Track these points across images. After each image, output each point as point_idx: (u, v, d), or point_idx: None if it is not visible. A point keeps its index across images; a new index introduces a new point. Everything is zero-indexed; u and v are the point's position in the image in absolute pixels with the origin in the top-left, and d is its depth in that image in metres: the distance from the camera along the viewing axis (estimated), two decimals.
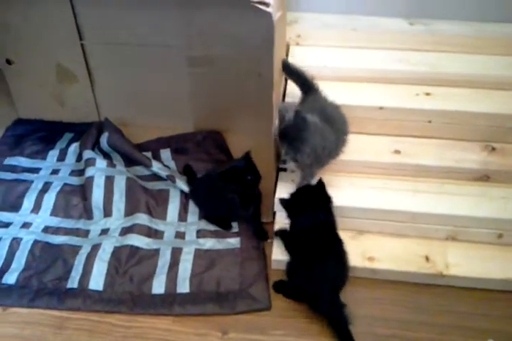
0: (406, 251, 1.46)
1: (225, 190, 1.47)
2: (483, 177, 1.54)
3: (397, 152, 1.59)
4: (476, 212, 1.45)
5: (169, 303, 1.38)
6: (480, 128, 1.60)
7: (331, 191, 1.47)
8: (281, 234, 1.50)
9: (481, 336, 1.31)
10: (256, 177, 1.46)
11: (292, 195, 1.42)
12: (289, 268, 1.39)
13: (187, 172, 1.69)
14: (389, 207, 1.47)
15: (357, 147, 1.59)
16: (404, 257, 1.44)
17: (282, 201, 1.43)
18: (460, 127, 1.60)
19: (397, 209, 1.47)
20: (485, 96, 1.64)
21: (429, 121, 1.60)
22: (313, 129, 1.39)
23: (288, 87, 1.69)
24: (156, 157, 1.78)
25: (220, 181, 1.45)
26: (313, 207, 1.39)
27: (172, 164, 1.76)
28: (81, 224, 1.58)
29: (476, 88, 1.66)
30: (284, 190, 1.53)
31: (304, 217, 1.39)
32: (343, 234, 1.42)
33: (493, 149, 1.59)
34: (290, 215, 1.43)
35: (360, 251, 1.45)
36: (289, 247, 1.44)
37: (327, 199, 1.40)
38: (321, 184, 1.40)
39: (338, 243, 1.38)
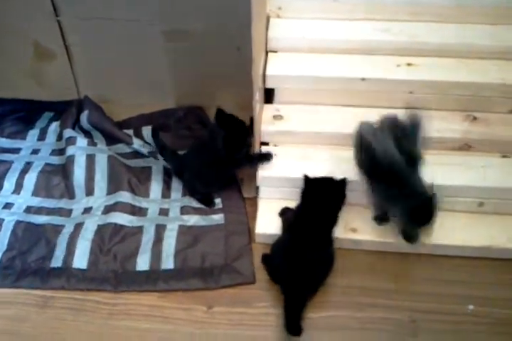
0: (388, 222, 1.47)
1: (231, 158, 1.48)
2: (464, 146, 1.55)
3: None
4: (456, 181, 1.46)
5: (154, 280, 1.38)
6: (462, 97, 1.59)
7: (312, 164, 1.48)
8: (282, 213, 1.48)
9: (461, 302, 1.33)
10: (242, 129, 1.46)
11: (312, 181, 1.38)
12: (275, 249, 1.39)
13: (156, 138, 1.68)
14: None
15: (339, 119, 1.59)
16: (386, 227, 1.45)
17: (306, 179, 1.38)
18: (442, 97, 1.59)
19: None
20: (466, 65, 1.63)
21: (411, 92, 1.59)
22: None
23: (269, 61, 1.67)
24: (138, 134, 1.76)
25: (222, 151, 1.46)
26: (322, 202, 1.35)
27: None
28: (63, 204, 1.57)
29: (457, 58, 1.64)
30: (266, 165, 1.53)
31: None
32: None
33: (475, 118, 1.58)
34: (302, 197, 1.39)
35: (343, 222, 1.45)
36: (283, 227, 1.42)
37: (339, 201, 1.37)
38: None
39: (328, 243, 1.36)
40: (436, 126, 1.56)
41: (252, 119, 1.48)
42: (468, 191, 1.46)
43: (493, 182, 1.46)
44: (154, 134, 1.69)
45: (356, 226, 1.46)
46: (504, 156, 1.54)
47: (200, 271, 1.41)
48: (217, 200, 1.59)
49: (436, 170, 1.47)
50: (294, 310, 1.27)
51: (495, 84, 1.56)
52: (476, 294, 1.34)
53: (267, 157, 1.52)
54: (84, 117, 1.74)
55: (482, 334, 1.28)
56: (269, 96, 1.66)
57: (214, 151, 1.47)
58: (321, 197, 1.35)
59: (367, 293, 1.36)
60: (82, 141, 1.67)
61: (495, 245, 1.40)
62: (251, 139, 1.50)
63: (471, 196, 1.47)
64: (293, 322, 1.25)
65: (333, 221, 1.36)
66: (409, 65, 1.64)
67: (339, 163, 1.52)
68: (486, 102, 1.59)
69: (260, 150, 1.54)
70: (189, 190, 1.60)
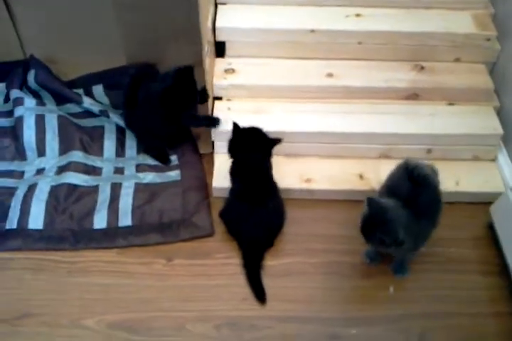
0: (341, 171, 1.51)
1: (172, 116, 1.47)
2: (413, 95, 1.58)
3: (330, 75, 1.59)
4: (406, 129, 1.50)
5: (112, 236, 1.40)
6: (409, 47, 1.61)
7: (266, 117, 1.49)
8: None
9: None
10: (193, 90, 1.43)
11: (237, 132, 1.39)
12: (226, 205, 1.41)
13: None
14: (323, 130, 1.50)
15: (290, 72, 1.59)
16: (340, 177, 1.50)
17: (235, 127, 1.39)
18: (390, 47, 1.61)
19: (330, 131, 1.50)
20: (413, 15, 1.65)
21: (359, 43, 1.60)
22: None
23: (218, 13, 1.64)
24: (89, 94, 1.71)
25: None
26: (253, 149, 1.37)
27: (105, 100, 1.71)
28: (15, 166, 1.55)
29: (404, 8, 1.66)
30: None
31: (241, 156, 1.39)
32: (280, 159, 1.46)
33: (422, 68, 1.62)
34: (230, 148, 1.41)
35: (298, 173, 1.49)
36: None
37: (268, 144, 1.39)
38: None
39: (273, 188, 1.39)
40: (385, 76, 1.59)
41: (204, 89, 1.47)
42: (417, 139, 1.51)
43: (441, 129, 1.51)
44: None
45: (310, 177, 1.49)
46: (450, 104, 1.58)
47: (159, 226, 1.42)
48: (173, 157, 1.59)
49: (386, 120, 1.52)
50: (254, 271, 1.32)
51: (440, 33, 1.59)
52: None
53: (214, 122, 1.51)
54: (31, 77, 1.68)
55: (432, 273, 1.36)
56: (221, 50, 1.65)
57: (156, 103, 1.47)
58: (247, 145, 1.36)
59: (321, 239, 1.41)
60: (30, 102, 1.63)
61: (443, 189, 1.45)
62: (197, 104, 1.49)
63: (419, 143, 1.51)
64: (258, 290, 1.30)
65: (265, 169, 1.38)
66: (357, 15, 1.65)
67: (293, 115, 1.54)
68: (432, 51, 1.62)
69: (211, 114, 1.54)
70: (144, 147, 1.60)
